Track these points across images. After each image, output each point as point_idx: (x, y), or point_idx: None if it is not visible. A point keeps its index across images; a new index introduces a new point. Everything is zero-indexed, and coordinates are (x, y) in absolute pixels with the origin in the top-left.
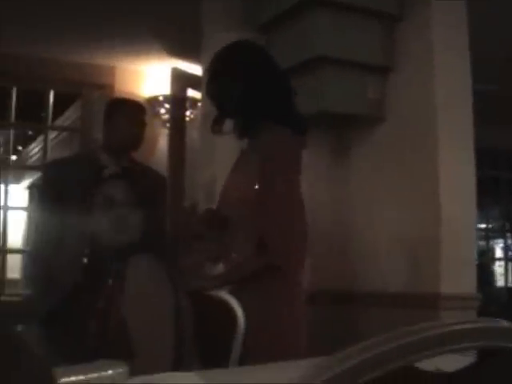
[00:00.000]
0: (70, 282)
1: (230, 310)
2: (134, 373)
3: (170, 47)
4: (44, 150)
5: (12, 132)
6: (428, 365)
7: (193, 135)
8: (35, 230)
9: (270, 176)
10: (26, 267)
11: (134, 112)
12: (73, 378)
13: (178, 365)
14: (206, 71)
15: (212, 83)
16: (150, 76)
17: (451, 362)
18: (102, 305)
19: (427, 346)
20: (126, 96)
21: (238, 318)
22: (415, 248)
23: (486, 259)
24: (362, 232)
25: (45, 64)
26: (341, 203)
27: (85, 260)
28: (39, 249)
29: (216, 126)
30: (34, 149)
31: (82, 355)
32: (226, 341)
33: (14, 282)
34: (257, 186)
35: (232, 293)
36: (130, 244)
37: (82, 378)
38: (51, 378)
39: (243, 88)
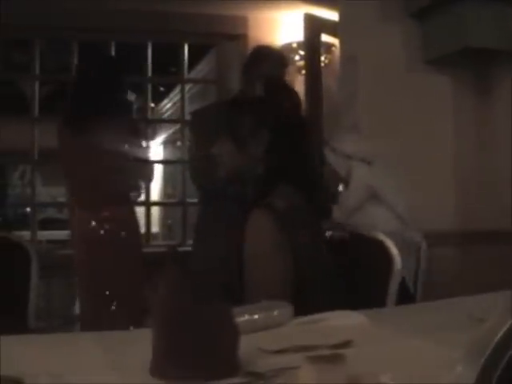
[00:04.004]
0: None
1: (385, 250)
2: None
3: None
4: (182, 101)
5: (150, 88)
6: None
7: (328, 80)
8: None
9: None
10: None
11: (273, 65)
12: (242, 318)
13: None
14: None
15: None
16: (282, 23)
17: None
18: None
19: None
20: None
21: (394, 258)
22: None
23: None
24: (508, 170)
25: (178, 18)
26: (486, 142)
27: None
28: None
29: None
30: (167, 105)
31: None
32: (383, 280)
33: (153, 234)
34: None
35: None
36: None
37: (250, 317)
38: (230, 316)
39: None
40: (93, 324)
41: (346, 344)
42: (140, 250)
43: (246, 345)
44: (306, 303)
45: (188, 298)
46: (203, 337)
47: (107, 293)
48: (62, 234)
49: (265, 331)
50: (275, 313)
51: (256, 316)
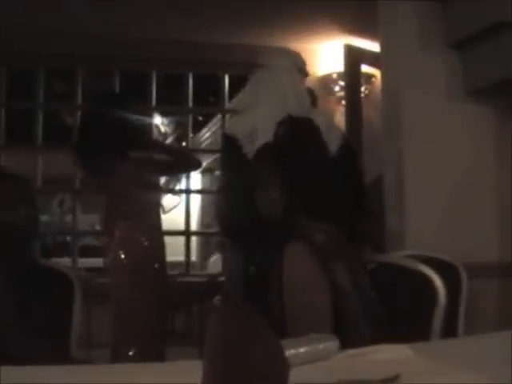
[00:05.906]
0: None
1: (429, 283)
2: None
3: (343, 24)
4: (222, 131)
5: (191, 118)
6: None
7: (369, 111)
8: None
9: None
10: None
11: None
12: (288, 352)
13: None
14: None
15: None
16: (322, 54)
17: None
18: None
19: None
20: None
21: (438, 291)
22: None
23: None
24: None
25: (218, 49)
26: None
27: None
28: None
29: None
30: (205, 134)
31: None
32: (426, 314)
33: (192, 263)
34: None
35: None
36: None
37: (296, 351)
38: (280, 349)
39: None
40: (119, 350)
41: (394, 378)
42: (166, 276)
43: (293, 378)
44: (345, 336)
45: (237, 332)
46: (253, 370)
47: (134, 318)
48: (99, 262)
49: (311, 364)
50: (321, 346)
51: (302, 349)
